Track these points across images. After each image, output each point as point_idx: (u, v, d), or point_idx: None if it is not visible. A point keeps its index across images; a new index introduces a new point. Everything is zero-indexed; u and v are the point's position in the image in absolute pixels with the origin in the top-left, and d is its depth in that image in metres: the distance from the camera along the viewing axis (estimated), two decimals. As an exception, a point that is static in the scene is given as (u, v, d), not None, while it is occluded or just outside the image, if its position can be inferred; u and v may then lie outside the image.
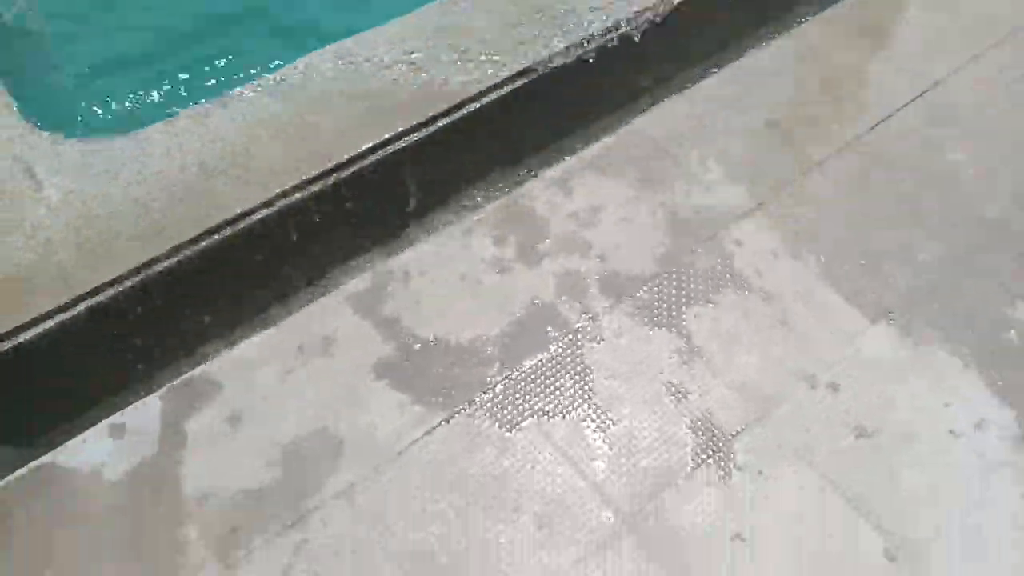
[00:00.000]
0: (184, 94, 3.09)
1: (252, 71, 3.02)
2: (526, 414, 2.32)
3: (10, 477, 2.19)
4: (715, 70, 3.14)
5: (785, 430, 2.30)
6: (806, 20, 3.30)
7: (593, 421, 2.32)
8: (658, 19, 2.85)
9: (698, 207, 2.75)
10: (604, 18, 2.78)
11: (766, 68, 3.14)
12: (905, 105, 3.02)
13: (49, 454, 2.23)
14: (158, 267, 2.26)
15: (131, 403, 2.31)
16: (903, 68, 3.14)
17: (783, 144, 2.91)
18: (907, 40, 3.24)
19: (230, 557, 2.10)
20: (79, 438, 2.26)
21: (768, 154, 2.89)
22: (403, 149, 2.52)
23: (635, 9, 2.82)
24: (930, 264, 2.63)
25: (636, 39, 2.84)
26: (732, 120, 2.97)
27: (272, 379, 2.36)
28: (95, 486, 2.19)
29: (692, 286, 2.57)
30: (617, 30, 2.78)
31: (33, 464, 2.22)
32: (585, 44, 2.74)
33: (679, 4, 2.87)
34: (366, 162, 2.48)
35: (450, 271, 2.58)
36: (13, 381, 2.20)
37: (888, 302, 2.54)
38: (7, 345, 2.14)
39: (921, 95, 3.05)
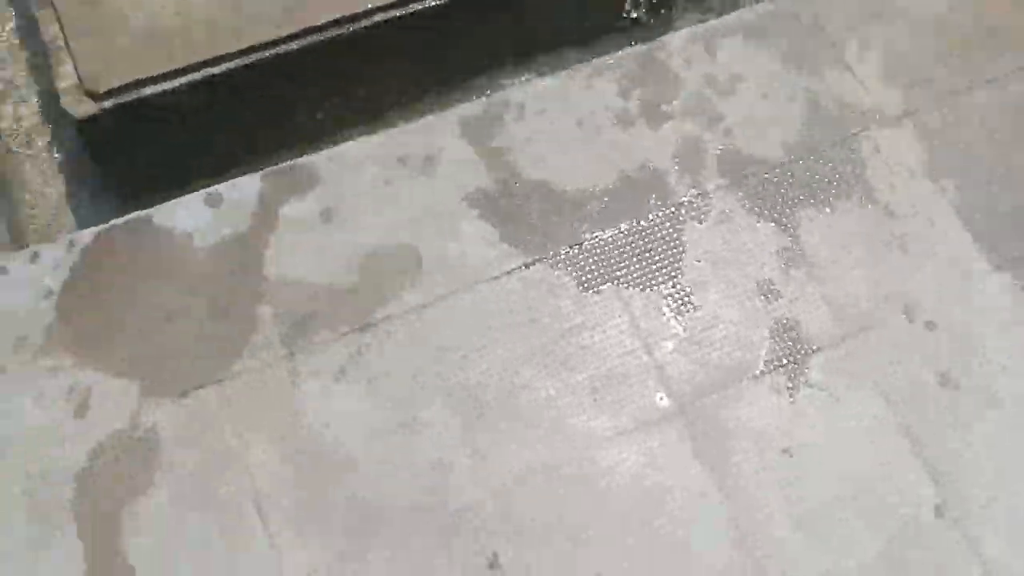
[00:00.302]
0: None
1: None
2: (608, 278, 2.29)
3: (109, 224, 2.28)
4: (906, -48, 2.83)
5: (868, 357, 2.21)
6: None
7: (674, 301, 2.27)
8: None
9: (844, 100, 2.55)
10: None
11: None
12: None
13: (149, 210, 2.30)
14: (280, 48, 2.24)
15: (232, 178, 2.35)
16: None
17: (956, 51, 2.63)
18: None
19: (295, 344, 2.17)
20: (178, 201, 2.31)
21: (936, 58, 2.62)
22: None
23: None
24: (1079, 221, 2.42)
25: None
26: (906, 13, 2.69)
27: (369, 184, 2.36)
28: (185, 248, 2.26)
29: (815, 184, 2.43)
30: None
31: (132, 216, 2.29)
32: None
33: None
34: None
35: (568, 114, 2.48)
36: (127, 132, 2.25)
37: (1018, 252, 2.36)
38: (130, 97, 2.18)
39: None
